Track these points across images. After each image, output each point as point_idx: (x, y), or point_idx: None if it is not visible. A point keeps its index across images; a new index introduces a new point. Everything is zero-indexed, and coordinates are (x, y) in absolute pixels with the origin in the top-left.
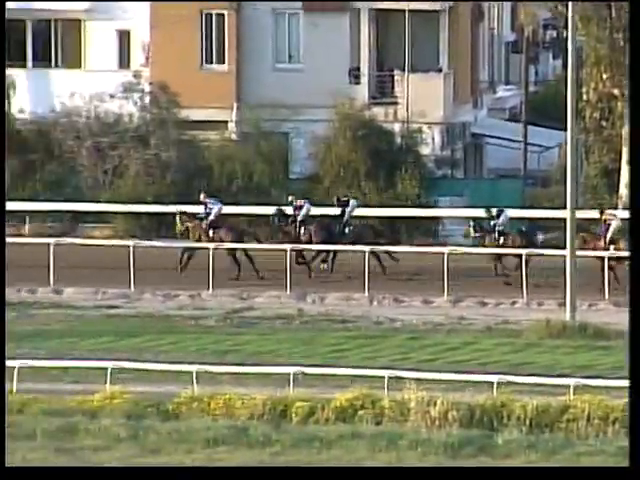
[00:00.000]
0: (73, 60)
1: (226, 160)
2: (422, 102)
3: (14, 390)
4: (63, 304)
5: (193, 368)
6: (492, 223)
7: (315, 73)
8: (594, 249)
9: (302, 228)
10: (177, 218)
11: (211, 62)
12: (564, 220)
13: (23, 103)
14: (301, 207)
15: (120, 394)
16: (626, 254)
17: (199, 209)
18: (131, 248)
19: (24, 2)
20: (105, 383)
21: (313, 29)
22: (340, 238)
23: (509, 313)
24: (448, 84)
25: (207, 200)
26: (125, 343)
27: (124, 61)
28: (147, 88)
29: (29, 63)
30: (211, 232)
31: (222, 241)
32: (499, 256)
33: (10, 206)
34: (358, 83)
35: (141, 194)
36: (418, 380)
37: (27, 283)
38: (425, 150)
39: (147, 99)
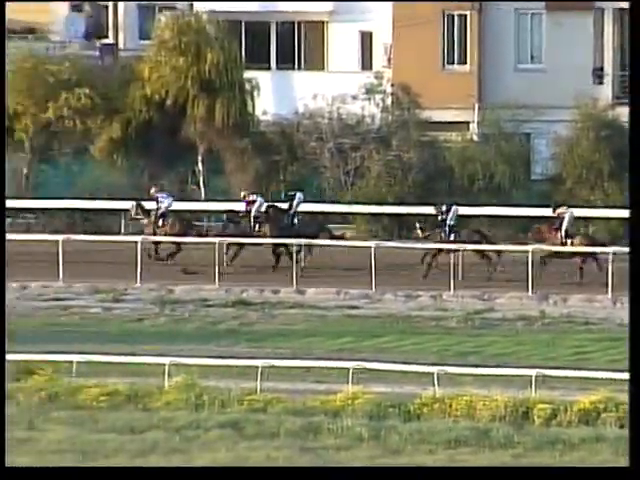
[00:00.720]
0: (316, 62)
1: (467, 161)
2: None
3: (258, 390)
4: (305, 304)
5: (434, 369)
6: (440, 219)
7: (557, 73)
8: (551, 242)
9: (256, 223)
10: (132, 210)
11: (453, 63)
12: None
13: (266, 105)
14: (253, 202)
15: (362, 394)
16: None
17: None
18: (372, 249)
19: (269, 2)
20: (347, 383)
21: (556, 29)
22: (288, 231)
23: None
24: None
25: (158, 194)
26: (367, 343)
27: (366, 62)
28: (389, 89)
29: (273, 65)
30: (160, 222)
31: (168, 234)
32: None
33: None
34: (601, 83)
35: (382, 195)
36: None
37: (270, 283)
38: None
39: (389, 100)
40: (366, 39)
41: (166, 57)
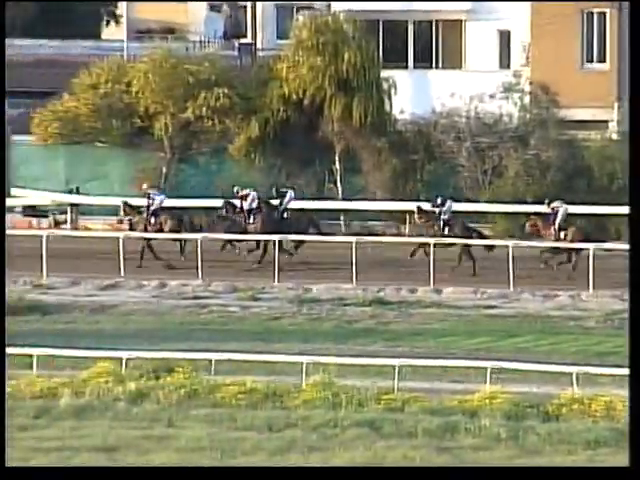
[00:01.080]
0: (453, 60)
1: (606, 160)
2: None
3: (395, 389)
4: (442, 303)
5: (573, 369)
6: (437, 212)
7: None
8: (546, 235)
9: (249, 217)
10: (120, 210)
11: (592, 61)
12: None
13: (404, 104)
14: (247, 196)
15: (500, 394)
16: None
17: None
18: (510, 248)
19: (407, 2)
20: (485, 383)
21: None
22: (277, 226)
23: None
24: None
25: (150, 191)
26: (504, 343)
27: (504, 61)
28: (527, 88)
29: (410, 64)
30: (152, 220)
31: (161, 230)
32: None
33: (391, 206)
34: None
35: (521, 194)
36: None
37: (406, 282)
38: None
39: (527, 99)
40: (504, 38)
41: (304, 56)
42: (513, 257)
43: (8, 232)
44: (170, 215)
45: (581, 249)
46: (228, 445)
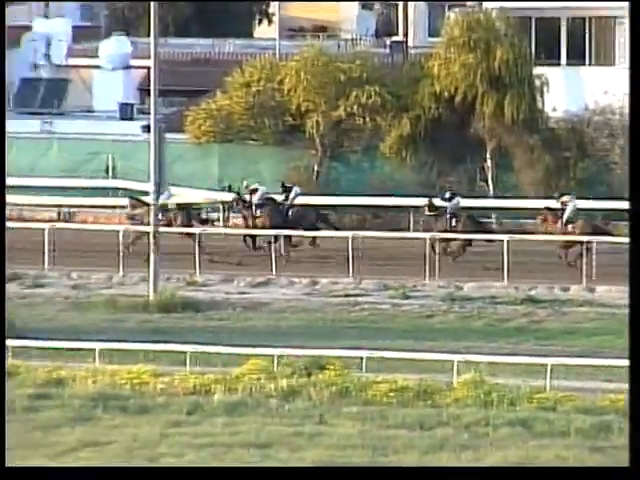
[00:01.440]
0: (606, 57)
1: None
2: None
3: (547, 387)
4: (595, 302)
5: None
6: (444, 205)
7: None
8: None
9: (258, 212)
10: (128, 204)
11: None
12: None
13: (556, 101)
14: (256, 191)
15: None
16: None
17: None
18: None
19: (560, 2)
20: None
21: None
22: (283, 221)
23: None
24: None
25: None
26: None
27: None
28: None
29: (562, 61)
30: (160, 215)
31: (170, 224)
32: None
33: (530, 204)
34: None
35: None
36: None
37: (560, 281)
38: None
39: None
40: None
41: (455, 54)
42: None
43: (161, 229)
44: (181, 211)
45: (589, 242)
46: (379, 443)
